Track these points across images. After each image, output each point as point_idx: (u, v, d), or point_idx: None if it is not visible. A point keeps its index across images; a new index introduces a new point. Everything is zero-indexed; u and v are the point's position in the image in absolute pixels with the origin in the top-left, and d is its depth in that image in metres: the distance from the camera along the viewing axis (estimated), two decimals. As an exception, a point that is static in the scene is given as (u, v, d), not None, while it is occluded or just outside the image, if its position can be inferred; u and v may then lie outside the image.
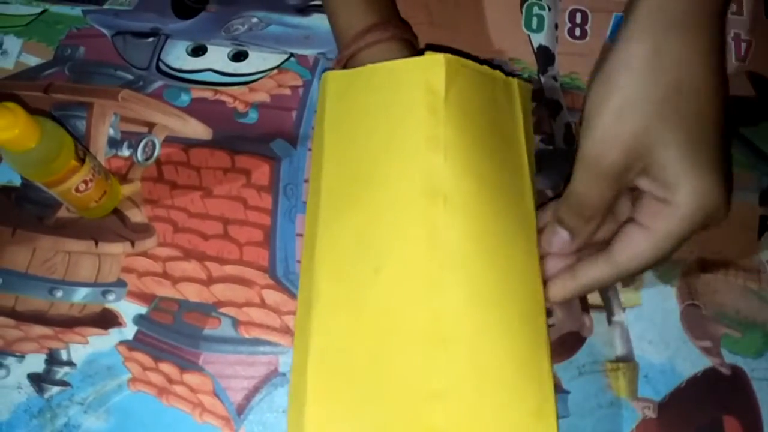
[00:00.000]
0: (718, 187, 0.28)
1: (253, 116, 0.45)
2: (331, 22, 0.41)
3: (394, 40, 0.38)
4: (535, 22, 0.46)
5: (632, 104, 0.28)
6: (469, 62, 0.35)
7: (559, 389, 0.39)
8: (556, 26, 0.46)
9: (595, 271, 0.32)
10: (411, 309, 0.31)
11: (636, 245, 0.30)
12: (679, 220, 0.28)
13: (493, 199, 0.33)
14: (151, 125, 0.44)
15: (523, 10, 0.47)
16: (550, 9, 0.47)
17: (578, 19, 0.47)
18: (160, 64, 0.46)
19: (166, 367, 0.39)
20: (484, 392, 0.31)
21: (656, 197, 0.29)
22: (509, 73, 0.39)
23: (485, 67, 0.36)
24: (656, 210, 0.29)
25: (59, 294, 0.40)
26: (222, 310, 0.40)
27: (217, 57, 0.46)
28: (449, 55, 0.34)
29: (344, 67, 0.39)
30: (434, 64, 0.34)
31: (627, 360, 0.39)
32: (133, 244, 0.41)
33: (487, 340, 0.31)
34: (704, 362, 0.39)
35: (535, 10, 0.47)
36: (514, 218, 0.34)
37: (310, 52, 0.46)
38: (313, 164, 0.38)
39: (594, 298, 0.40)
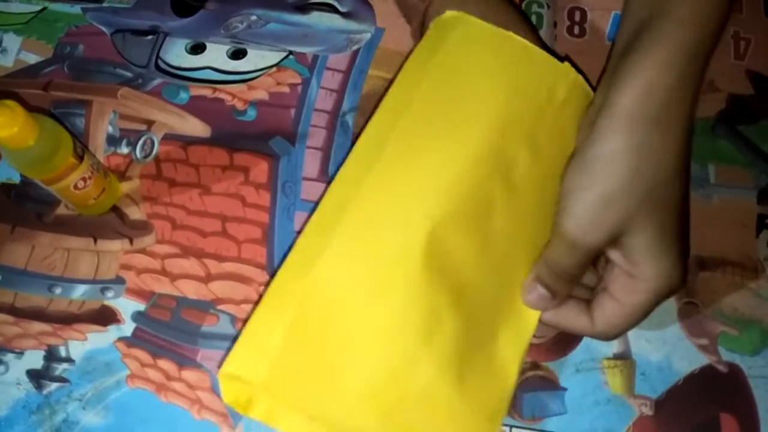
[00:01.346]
0: (679, 266, 0.31)
1: (251, 114, 0.45)
2: None
3: None
4: (534, 19, 0.46)
5: (616, 195, 0.31)
6: (590, 90, 0.37)
7: (556, 386, 0.39)
8: (555, 24, 0.46)
9: (576, 323, 0.34)
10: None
11: (610, 315, 0.33)
12: (645, 294, 0.32)
13: (538, 212, 0.34)
14: (150, 123, 0.44)
15: (522, 8, 0.47)
16: (548, 7, 0.47)
17: (577, 17, 0.47)
18: (159, 61, 0.46)
19: (164, 364, 0.39)
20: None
21: (625, 271, 0.32)
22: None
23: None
24: (625, 284, 0.32)
25: (58, 291, 0.41)
26: (220, 307, 0.40)
27: (216, 55, 0.46)
28: (578, 77, 0.36)
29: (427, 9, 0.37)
30: (565, 73, 0.36)
31: (624, 357, 0.39)
32: (131, 242, 0.41)
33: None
34: (701, 360, 0.39)
35: (534, 7, 0.47)
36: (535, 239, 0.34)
37: (308, 50, 0.46)
38: (398, 85, 0.35)
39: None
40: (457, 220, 0.31)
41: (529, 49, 0.35)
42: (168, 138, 0.44)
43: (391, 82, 0.36)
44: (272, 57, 0.46)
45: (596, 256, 0.33)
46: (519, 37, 0.35)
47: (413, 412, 0.30)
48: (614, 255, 0.32)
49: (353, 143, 0.41)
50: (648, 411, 0.38)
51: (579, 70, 0.37)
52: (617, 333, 0.33)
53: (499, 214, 0.33)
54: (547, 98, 0.35)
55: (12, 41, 0.46)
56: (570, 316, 0.34)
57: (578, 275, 0.33)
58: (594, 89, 0.42)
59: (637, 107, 0.30)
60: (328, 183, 0.35)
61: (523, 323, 0.34)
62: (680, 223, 0.32)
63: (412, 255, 0.30)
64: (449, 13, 0.36)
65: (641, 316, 0.32)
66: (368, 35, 0.46)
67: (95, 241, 0.41)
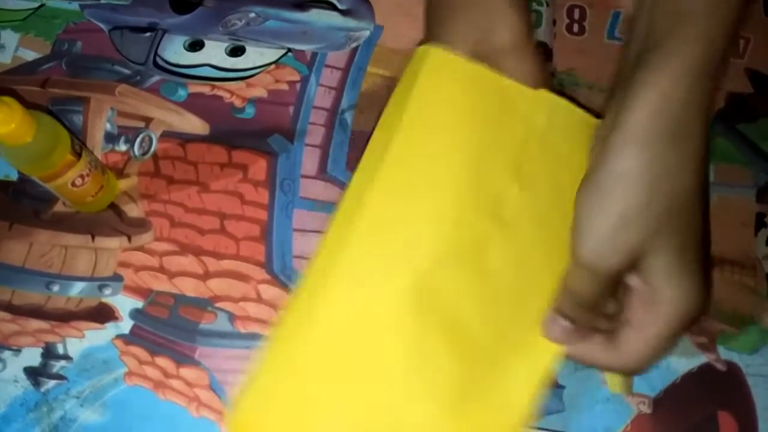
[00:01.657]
0: (702, 289, 0.30)
1: (250, 111, 0.45)
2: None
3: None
4: (533, 17, 0.46)
5: (633, 215, 0.29)
6: (573, 107, 0.35)
7: (554, 384, 0.39)
8: (554, 22, 0.46)
9: (602, 357, 0.32)
10: None
11: (634, 346, 0.31)
12: (668, 321, 0.30)
13: (539, 241, 0.34)
14: (148, 120, 0.44)
15: (521, 6, 0.47)
16: (548, 5, 0.47)
17: (576, 15, 0.47)
18: (158, 59, 0.46)
19: (162, 361, 0.39)
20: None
21: (646, 298, 0.30)
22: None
23: (582, 113, 0.35)
24: (647, 312, 0.30)
25: (56, 288, 0.41)
26: (218, 304, 0.40)
27: (215, 52, 0.46)
28: (557, 99, 0.35)
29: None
30: (540, 99, 0.34)
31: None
32: (129, 239, 0.41)
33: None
34: (700, 358, 0.39)
35: (534, 5, 0.47)
36: (545, 271, 0.33)
37: (307, 48, 0.46)
38: (380, 129, 0.35)
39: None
40: (445, 264, 0.32)
41: (499, 81, 0.34)
42: (166, 135, 0.44)
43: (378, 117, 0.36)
44: (271, 54, 0.46)
45: (617, 281, 0.31)
46: (487, 70, 0.34)
47: None
48: (633, 281, 0.31)
49: (351, 141, 0.41)
50: (646, 409, 0.38)
51: (565, 94, 0.35)
52: (644, 365, 0.31)
53: (494, 252, 0.32)
54: (526, 128, 0.34)
55: (10, 38, 0.46)
56: (595, 350, 0.32)
57: (599, 303, 0.31)
58: (593, 88, 0.42)
59: (651, 123, 0.29)
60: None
61: (537, 358, 0.33)
62: (701, 244, 0.30)
63: (399, 301, 0.31)
64: (420, 48, 0.35)
65: (666, 344, 0.31)
66: (367, 33, 0.46)
67: (93, 238, 0.41)
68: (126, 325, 0.40)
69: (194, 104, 0.45)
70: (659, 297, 0.30)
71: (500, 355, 0.32)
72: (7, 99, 0.32)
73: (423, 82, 0.34)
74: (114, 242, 0.41)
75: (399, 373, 0.31)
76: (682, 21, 0.30)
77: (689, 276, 0.30)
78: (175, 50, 0.46)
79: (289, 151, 0.43)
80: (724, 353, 0.39)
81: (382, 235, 0.32)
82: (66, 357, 0.39)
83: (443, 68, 0.34)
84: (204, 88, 0.45)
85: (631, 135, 0.30)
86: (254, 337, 0.40)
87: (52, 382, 0.39)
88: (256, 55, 0.46)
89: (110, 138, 0.44)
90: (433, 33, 0.36)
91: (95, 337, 0.40)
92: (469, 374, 0.32)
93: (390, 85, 0.44)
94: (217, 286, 0.41)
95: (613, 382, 0.39)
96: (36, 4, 0.47)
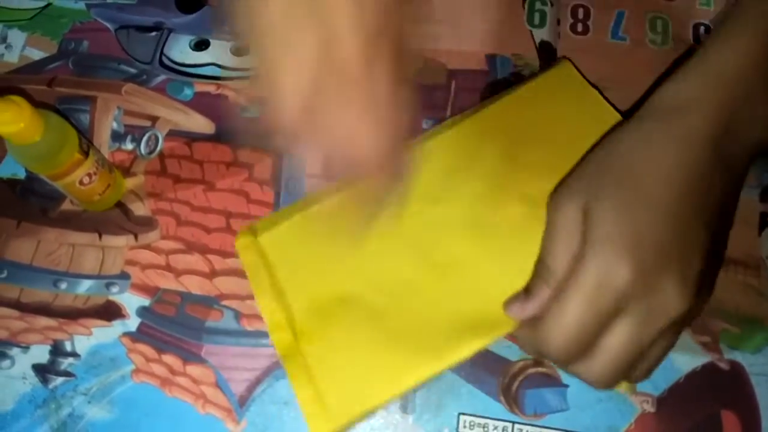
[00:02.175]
0: (628, 264, 0.27)
1: (255, 110, 0.45)
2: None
3: None
4: (537, 17, 0.46)
5: (574, 182, 0.31)
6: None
7: (558, 383, 0.39)
8: (558, 22, 0.46)
9: (523, 331, 0.32)
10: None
11: (549, 313, 0.29)
12: (585, 284, 0.28)
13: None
14: (154, 119, 0.44)
15: (526, 6, 0.47)
16: (552, 4, 0.47)
17: (580, 15, 0.47)
18: (164, 58, 0.46)
19: (169, 359, 0.39)
20: None
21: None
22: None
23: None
24: (573, 272, 0.29)
25: (63, 286, 0.41)
26: (224, 302, 0.41)
27: (220, 51, 0.46)
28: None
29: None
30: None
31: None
32: (136, 237, 0.42)
33: None
34: (703, 357, 0.39)
35: (537, 5, 0.47)
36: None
37: (312, 47, 0.46)
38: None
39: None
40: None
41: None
42: (172, 134, 0.44)
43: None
44: (276, 54, 0.46)
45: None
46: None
47: None
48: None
49: None
50: (650, 408, 0.39)
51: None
52: (556, 343, 0.29)
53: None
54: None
55: (17, 37, 0.46)
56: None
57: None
58: (595, 87, 0.43)
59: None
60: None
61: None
62: (649, 219, 0.28)
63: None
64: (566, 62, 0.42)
65: (579, 313, 0.28)
66: (372, 32, 0.46)
67: (100, 236, 0.42)
68: (133, 322, 0.40)
69: (200, 103, 0.45)
70: (587, 252, 0.28)
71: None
72: (15, 98, 0.33)
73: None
74: (121, 240, 0.42)
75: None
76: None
77: (620, 237, 0.27)
78: (181, 49, 0.46)
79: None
80: (727, 352, 0.40)
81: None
82: (74, 354, 0.40)
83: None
84: (210, 87, 0.45)
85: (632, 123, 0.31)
86: (260, 334, 0.40)
87: (60, 379, 0.39)
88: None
89: (117, 137, 0.44)
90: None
91: (103, 334, 0.40)
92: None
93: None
94: (223, 284, 0.41)
95: (616, 381, 0.39)
96: (43, 4, 0.47)
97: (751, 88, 0.28)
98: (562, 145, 0.36)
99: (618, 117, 0.39)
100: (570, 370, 0.31)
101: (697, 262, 0.28)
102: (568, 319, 0.28)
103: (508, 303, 0.33)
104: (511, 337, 0.40)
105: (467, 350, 0.35)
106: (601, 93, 0.41)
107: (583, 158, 0.32)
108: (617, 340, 0.28)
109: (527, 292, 0.32)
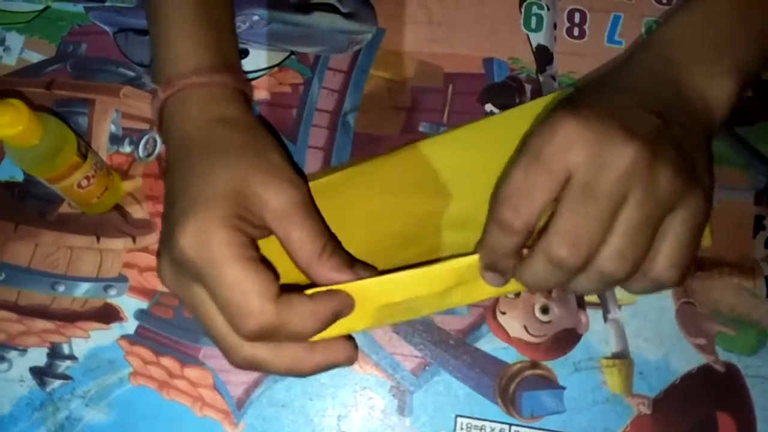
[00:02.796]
0: (568, 120, 0.27)
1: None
2: (163, 47, 0.35)
3: (228, 88, 0.34)
4: (534, 21, 0.47)
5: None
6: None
7: (555, 385, 0.39)
8: (555, 26, 0.47)
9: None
10: None
11: (507, 176, 0.30)
12: (528, 151, 0.29)
13: None
14: (152, 122, 0.45)
15: (522, 10, 0.47)
16: (548, 8, 0.47)
17: (577, 19, 0.47)
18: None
19: (166, 362, 0.40)
20: None
21: None
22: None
23: None
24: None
25: (61, 289, 0.41)
26: (222, 305, 0.41)
27: (218, 54, 0.46)
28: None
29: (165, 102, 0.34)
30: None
31: (622, 357, 0.40)
32: (134, 240, 0.42)
33: None
34: (699, 359, 0.40)
35: (534, 9, 0.47)
36: None
37: (310, 50, 0.46)
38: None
39: (590, 296, 0.41)
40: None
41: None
42: (170, 137, 0.44)
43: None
44: (274, 57, 0.46)
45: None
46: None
47: None
48: None
49: (354, 143, 0.43)
50: (646, 410, 0.39)
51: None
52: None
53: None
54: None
55: (15, 40, 0.47)
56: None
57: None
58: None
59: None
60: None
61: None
62: (636, 105, 0.29)
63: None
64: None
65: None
66: (369, 36, 0.46)
67: (98, 239, 0.42)
68: (131, 325, 0.40)
69: (198, 106, 0.45)
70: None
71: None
72: (14, 101, 0.33)
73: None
74: (119, 243, 0.42)
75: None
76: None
77: (561, 107, 0.28)
78: (179, 53, 0.46)
79: (292, 153, 0.44)
80: (722, 354, 0.40)
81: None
82: (71, 357, 0.40)
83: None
84: (208, 91, 0.45)
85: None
86: (258, 337, 0.40)
87: (57, 382, 0.39)
88: (259, 58, 0.46)
89: (115, 140, 0.44)
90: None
91: (100, 337, 0.40)
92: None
93: (392, 88, 0.45)
94: (221, 287, 0.41)
95: (613, 383, 0.39)
96: (41, 7, 0.47)
97: (690, 43, 0.32)
98: None
99: None
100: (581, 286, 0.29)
101: (647, 123, 0.27)
102: (519, 184, 0.27)
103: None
104: (508, 339, 0.40)
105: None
106: None
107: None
108: (565, 200, 0.26)
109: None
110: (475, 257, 0.31)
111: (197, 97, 0.33)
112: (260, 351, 0.29)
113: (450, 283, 0.32)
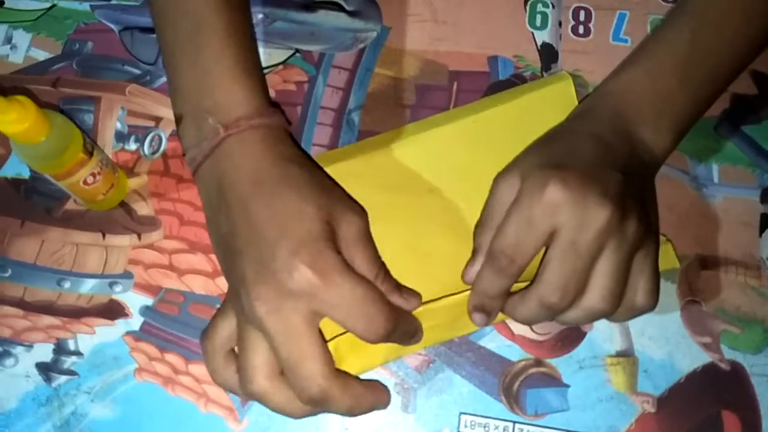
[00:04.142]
0: (554, 180, 0.31)
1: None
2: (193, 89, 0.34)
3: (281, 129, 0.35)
4: (538, 19, 0.47)
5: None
6: None
7: (559, 383, 0.39)
8: (560, 24, 0.47)
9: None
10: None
11: (497, 234, 0.33)
12: (518, 206, 0.32)
13: None
14: (157, 119, 0.45)
15: (527, 8, 0.47)
16: (553, 6, 0.47)
17: (582, 17, 0.47)
18: (167, 58, 0.46)
19: (171, 358, 0.40)
20: None
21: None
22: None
23: None
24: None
25: (67, 285, 0.41)
26: (227, 302, 0.41)
27: (224, 52, 0.46)
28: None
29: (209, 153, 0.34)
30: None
31: (627, 355, 0.40)
32: (139, 237, 0.42)
33: None
34: (704, 358, 0.40)
35: (539, 7, 0.47)
36: None
37: (315, 48, 0.46)
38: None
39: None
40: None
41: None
42: (176, 134, 0.44)
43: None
44: (279, 55, 0.46)
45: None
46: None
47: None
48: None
49: (358, 141, 0.42)
50: (650, 408, 0.39)
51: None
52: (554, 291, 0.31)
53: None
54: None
55: (22, 38, 0.47)
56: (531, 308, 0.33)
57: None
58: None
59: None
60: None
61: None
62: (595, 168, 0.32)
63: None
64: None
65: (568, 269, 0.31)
66: (374, 34, 0.46)
67: (104, 236, 0.42)
68: (136, 321, 0.40)
69: (203, 104, 0.45)
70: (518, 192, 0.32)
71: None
72: (21, 98, 0.33)
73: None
74: (124, 240, 0.42)
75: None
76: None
77: (544, 170, 0.31)
78: (184, 50, 0.46)
79: (297, 150, 0.44)
80: (728, 353, 0.40)
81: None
82: (77, 353, 0.40)
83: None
84: (213, 88, 0.46)
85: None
86: (262, 334, 0.40)
87: (63, 378, 0.39)
88: (264, 56, 0.46)
89: (120, 137, 0.44)
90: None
91: (106, 333, 0.40)
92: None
93: (396, 86, 0.45)
94: (225, 284, 0.41)
95: (617, 381, 0.39)
96: (47, 5, 0.48)
97: (636, 98, 0.36)
98: None
99: None
100: (527, 307, 0.33)
101: (617, 180, 0.31)
102: (509, 238, 0.32)
103: (462, 273, 0.35)
104: (513, 337, 0.40)
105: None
106: None
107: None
108: (551, 254, 0.31)
109: (472, 258, 0.35)
110: (464, 295, 0.35)
111: (261, 136, 0.33)
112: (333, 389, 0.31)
113: (444, 319, 0.36)
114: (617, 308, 0.32)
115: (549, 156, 0.33)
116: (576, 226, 0.30)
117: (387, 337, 0.31)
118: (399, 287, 0.34)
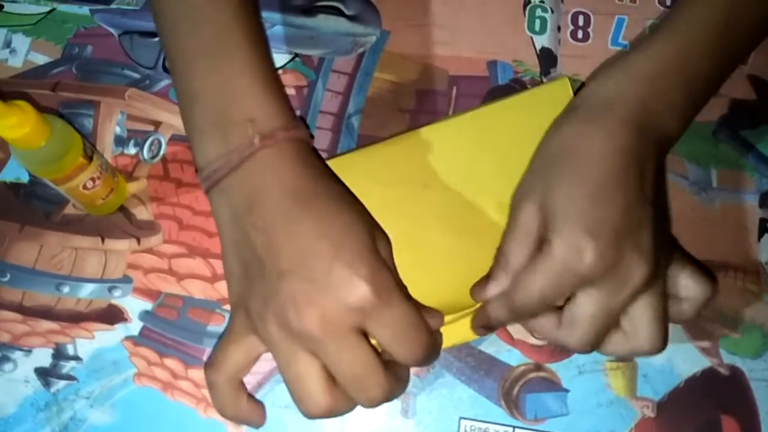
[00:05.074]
0: (589, 246, 0.30)
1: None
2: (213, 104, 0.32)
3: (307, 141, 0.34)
4: (537, 24, 0.47)
5: (527, 181, 0.34)
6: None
7: (559, 388, 0.39)
8: (559, 28, 0.47)
9: (497, 304, 0.34)
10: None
11: (519, 280, 0.32)
12: (549, 262, 0.30)
13: None
14: (157, 124, 0.45)
15: (526, 13, 0.47)
16: (552, 11, 0.47)
17: (581, 22, 0.47)
18: (167, 63, 0.46)
19: (171, 363, 0.40)
20: None
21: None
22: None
23: None
24: (541, 251, 0.31)
25: (66, 290, 0.41)
26: (226, 306, 0.41)
27: (223, 57, 0.46)
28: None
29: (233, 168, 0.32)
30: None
31: (626, 359, 0.40)
32: (138, 241, 0.42)
33: None
34: (703, 362, 0.40)
35: (538, 12, 0.47)
36: None
37: (314, 53, 0.46)
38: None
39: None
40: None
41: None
42: (175, 139, 0.44)
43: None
44: (278, 59, 0.46)
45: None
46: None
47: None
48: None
49: (358, 145, 0.43)
50: (650, 413, 0.39)
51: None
52: (524, 304, 0.32)
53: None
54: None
55: (21, 42, 0.47)
56: (545, 326, 0.33)
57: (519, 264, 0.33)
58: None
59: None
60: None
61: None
62: (599, 203, 0.31)
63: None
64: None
65: (544, 284, 0.31)
66: (374, 38, 0.46)
67: (103, 240, 0.42)
68: (135, 326, 0.40)
69: (203, 108, 0.45)
70: (551, 237, 0.31)
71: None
72: (21, 103, 0.33)
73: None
74: (123, 244, 0.42)
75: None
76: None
77: (579, 224, 0.30)
78: (184, 55, 0.46)
79: (297, 155, 0.44)
80: (727, 357, 0.40)
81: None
82: (76, 358, 0.40)
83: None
84: (212, 93, 0.46)
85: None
86: (262, 339, 0.40)
87: (62, 383, 0.39)
88: (264, 60, 0.46)
89: (120, 141, 0.44)
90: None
91: (105, 338, 0.40)
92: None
93: (396, 90, 0.45)
94: (225, 288, 0.41)
95: (617, 386, 0.39)
96: (47, 9, 0.48)
97: (668, 85, 0.33)
98: None
99: None
100: (550, 339, 0.33)
101: (649, 232, 0.31)
102: (535, 285, 0.31)
103: (473, 288, 0.35)
104: (512, 341, 0.40)
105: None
106: None
107: (534, 155, 0.35)
108: (585, 310, 0.31)
109: (487, 278, 0.34)
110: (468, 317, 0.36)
111: (296, 149, 0.31)
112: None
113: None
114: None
115: (566, 184, 0.31)
116: (610, 292, 0.30)
117: (420, 364, 0.31)
118: (422, 307, 0.32)
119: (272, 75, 0.33)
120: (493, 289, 0.33)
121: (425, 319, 0.30)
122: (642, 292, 0.31)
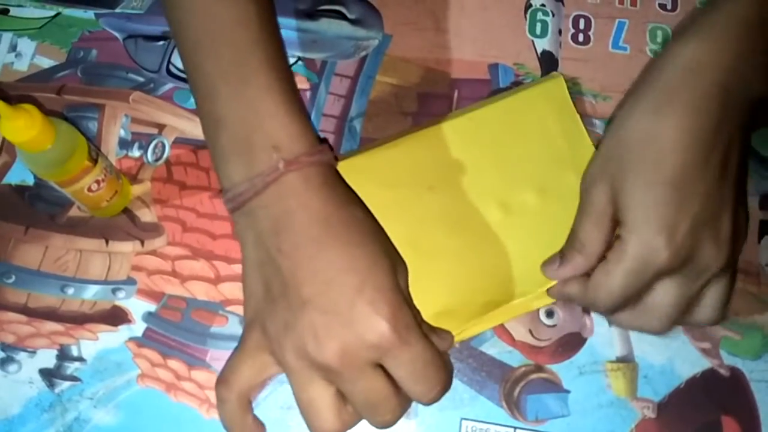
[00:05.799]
0: (662, 237, 0.30)
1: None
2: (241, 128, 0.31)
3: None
4: (539, 27, 0.47)
5: (598, 164, 0.33)
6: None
7: (559, 389, 0.39)
8: (560, 32, 0.47)
9: (574, 288, 0.34)
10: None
11: (596, 280, 0.33)
12: (624, 260, 0.31)
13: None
14: (161, 127, 0.45)
15: (527, 16, 0.48)
16: (553, 15, 0.47)
17: (581, 25, 0.47)
18: (171, 66, 0.47)
19: (174, 364, 0.40)
20: None
21: (617, 234, 0.32)
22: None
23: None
24: (615, 248, 0.31)
25: (70, 291, 0.41)
26: (229, 308, 0.41)
27: (226, 60, 0.47)
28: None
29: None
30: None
31: (627, 360, 0.40)
32: (142, 243, 0.42)
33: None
34: (703, 363, 0.40)
35: (539, 15, 0.47)
36: None
37: (317, 56, 0.47)
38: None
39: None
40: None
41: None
42: (179, 142, 0.45)
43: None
44: (281, 63, 0.47)
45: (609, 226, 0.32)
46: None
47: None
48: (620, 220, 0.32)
49: (360, 148, 0.43)
50: (650, 414, 0.39)
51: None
52: (602, 300, 0.32)
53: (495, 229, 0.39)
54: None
55: (27, 46, 0.47)
56: (572, 285, 0.34)
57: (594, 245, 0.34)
58: (598, 97, 0.43)
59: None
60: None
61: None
62: (677, 194, 0.30)
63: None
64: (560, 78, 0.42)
65: (629, 282, 0.31)
66: (376, 42, 0.47)
67: (107, 242, 0.42)
68: (139, 327, 0.41)
69: (206, 111, 0.45)
70: (622, 235, 0.31)
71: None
72: (27, 106, 0.33)
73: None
74: (127, 246, 0.42)
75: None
76: None
77: (652, 218, 0.30)
78: (187, 58, 0.47)
79: (299, 157, 0.44)
80: (727, 359, 0.40)
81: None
82: (80, 359, 0.40)
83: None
84: (216, 96, 0.46)
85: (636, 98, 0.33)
86: (264, 340, 0.40)
87: (66, 384, 0.40)
88: (267, 64, 0.47)
89: (124, 144, 0.45)
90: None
91: (109, 339, 0.40)
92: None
93: (398, 93, 0.45)
94: (228, 290, 0.41)
95: (617, 387, 0.39)
96: (52, 13, 0.48)
97: (754, 41, 0.31)
98: (538, 163, 0.39)
99: (591, 148, 0.40)
100: (620, 323, 0.34)
101: (727, 218, 0.30)
102: (613, 285, 0.31)
103: (545, 264, 0.36)
104: (513, 342, 0.40)
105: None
106: (583, 120, 0.41)
107: (606, 133, 0.34)
108: (663, 300, 0.31)
109: (561, 257, 0.34)
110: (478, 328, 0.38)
111: (322, 174, 0.31)
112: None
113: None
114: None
115: (640, 170, 0.30)
116: (687, 283, 0.31)
117: (435, 401, 0.31)
118: (433, 329, 0.32)
119: (295, 97, 0.32)
120: (569, 271, 0.34)
121: (441, 356, 0.30)
122: (717, 276, 0.31)
